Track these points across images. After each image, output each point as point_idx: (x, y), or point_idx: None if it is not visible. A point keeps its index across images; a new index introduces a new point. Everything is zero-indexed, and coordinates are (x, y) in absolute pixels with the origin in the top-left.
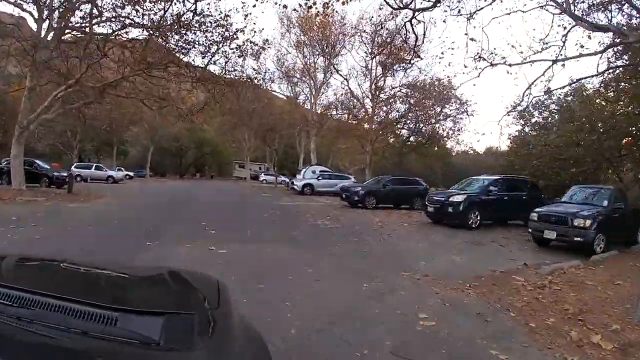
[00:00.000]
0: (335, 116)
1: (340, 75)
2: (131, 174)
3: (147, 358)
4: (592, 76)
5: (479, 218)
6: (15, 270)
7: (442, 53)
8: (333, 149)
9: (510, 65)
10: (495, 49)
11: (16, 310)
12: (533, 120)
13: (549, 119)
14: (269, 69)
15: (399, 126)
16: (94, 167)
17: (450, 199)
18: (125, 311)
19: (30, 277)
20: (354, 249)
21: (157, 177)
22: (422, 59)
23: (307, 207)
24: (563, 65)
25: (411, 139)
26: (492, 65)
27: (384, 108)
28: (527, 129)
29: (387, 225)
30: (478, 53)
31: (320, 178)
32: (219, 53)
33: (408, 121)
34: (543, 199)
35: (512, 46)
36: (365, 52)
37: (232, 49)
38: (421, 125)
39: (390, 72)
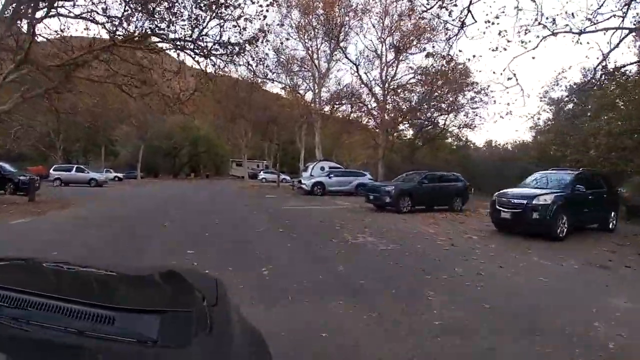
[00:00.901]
0: (341, 108)
1: (349, 59)
2: (120, 175)
3: (144, 356)
4: None
5: (566, 225)
6: (11, 271)
7: (492, 21)
8: (337, 143)
9: (579, 33)
10: (554, 16)
11: (12, 311)
12: (567, 107)
13: (586, 105)
14: (267, 55)
15: (417, 115)
16: (74, 169)
17: (534, 201)
18: (122, 310)
19: (27, 279)
20: (470, 310)
21: (149, 178)
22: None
23: (328, 213)
24: None
25: (425, 130)
26: (553, 34)
27: (397, 97)
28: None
29: (452, 239)
30: (536, 19)
31: (332, 176)
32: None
33: (426, 109)
34: (617, 194)
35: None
36: (376, 35)
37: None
38: (437, 114)
39: (403, 56)
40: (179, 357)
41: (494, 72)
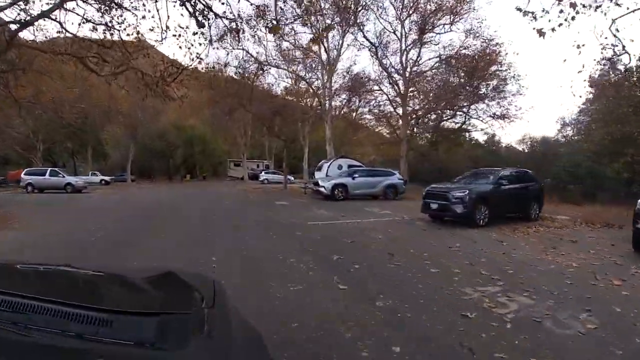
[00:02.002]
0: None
1: (368, 40)
2: (107, 178)
3: (142, 359)
4: None
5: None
6: (8, 275)
7: None
8: (344, 140)
9: None
10: None
11: (10, 315)
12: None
13: None
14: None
15: (448, 103)
16: (48, 172)
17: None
18: (120, 313)
19: (25, 282)
20: None
21: (142, 181)
22: None
23: (380, 233)
24: None
25: (444, 121)
26: None
27: (423, 83)
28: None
29: (626, 279)
30: None
31: (356, 176)
32: None
33: (460, 96)
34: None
35: None
36: (394, 15)
37: None
38: (466, 103)
39: (426, 38)
40: (176, 359)
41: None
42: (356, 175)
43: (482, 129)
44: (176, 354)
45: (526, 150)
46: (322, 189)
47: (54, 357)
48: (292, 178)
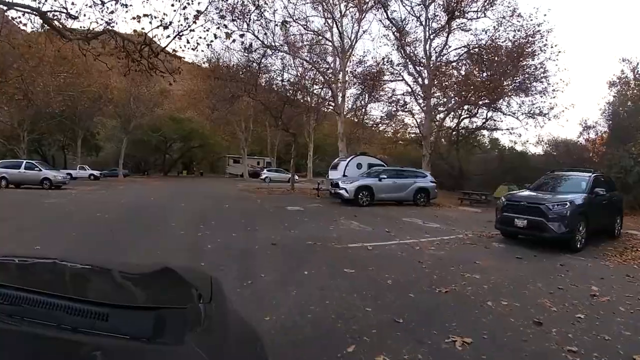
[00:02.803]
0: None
1: (392, 22)
2: (96, 173)
3: (138, 352)
4: None
5: None
6: (5, 268)
7: None
8: (351, 137)
9: None
10: None
11: (6, 307)
12: None
13: None
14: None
15: (484, 96)
16: (23, 165)
17: None
18: (116, 307)
19: (22, 275)
20: None
21: (135, 176)
22: None
23: (466, 266)
24: None
25: (467, 121)
26: None
27: (453, 72)
28: None
29: None
30: None
31: (383, 177)
32: None
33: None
34: None
35: None
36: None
37: None
38: (494, 97)
39: (455, 25)
40: (172, 353)
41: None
42: (384, 176)
43: (508, 129)
44: (173, 348)
45: (548, 153)
46: (342, 192)
47: (50, 350)
48: (297, 177)
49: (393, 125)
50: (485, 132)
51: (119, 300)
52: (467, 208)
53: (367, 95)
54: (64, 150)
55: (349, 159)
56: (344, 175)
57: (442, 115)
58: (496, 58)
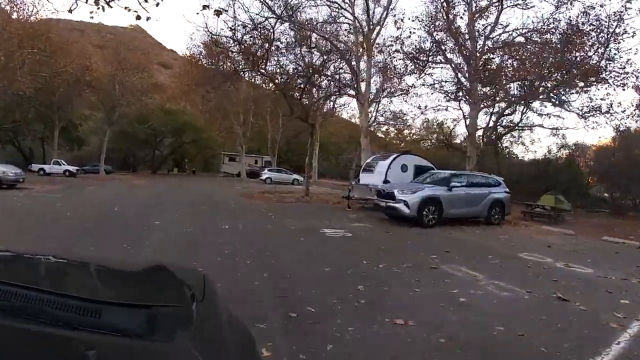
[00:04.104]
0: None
1: None
2: (72, 169)
3: (129, 350)
4: None
5: None
6: None
7: None
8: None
9: None
10: None
11: None
12: None
13: None
14: None
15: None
16: None
17: None
18: (108, 304)
19: (13, 271)
20: None
21: (121, 173)
22: None
23: None
24: None
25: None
26: None
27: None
28: None
29: None
30: None
31: (456, 185)
32: None
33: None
34: None
35: None
36: None
37: None
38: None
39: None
40: (164, 351)
41: None
42: (456, 184)
43: (557, 128)
44: (165, 346)
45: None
46: (400, 206)
47: (42, 346)
48: (302, 178)
49: (397, 124)
50: (523, 132)
51: (112, 297)
52: (548, 227)
53: (419, 73)
54: (43, 142)
55: (390, 159)
56: (386, 181)
57: (491, 108)
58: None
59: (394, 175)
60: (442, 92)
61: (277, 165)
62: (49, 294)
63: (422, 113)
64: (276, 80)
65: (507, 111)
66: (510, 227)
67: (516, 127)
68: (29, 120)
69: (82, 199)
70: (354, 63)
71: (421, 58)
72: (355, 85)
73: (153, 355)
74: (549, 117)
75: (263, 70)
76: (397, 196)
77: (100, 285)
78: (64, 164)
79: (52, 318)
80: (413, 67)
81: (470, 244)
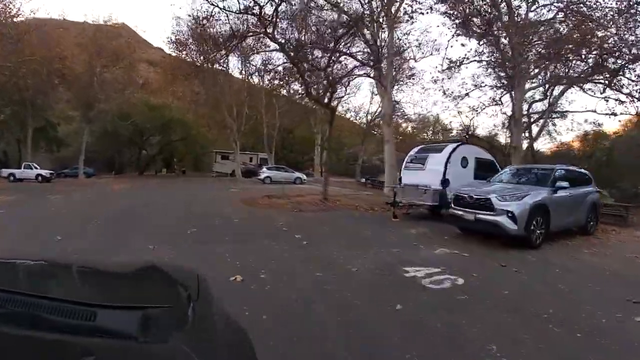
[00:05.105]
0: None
1: None
2: (45, 172)
3: (125, 352)
4: None
5: None
6: None
7: None
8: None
9: None
10: None
11: None
12: None
13: None
14: None
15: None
16: None
17: None
18: (102, 307)
19: (7, 277)
20: None
21: (103, 175)
22: None
23: None
24: None
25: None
26: None
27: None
28: None
29: None
30: None
31: (563, 186)
32: None
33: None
34: None
35: None
36: None
37: None
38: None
39: None
40: (159, 352)
41: None
42: (563, 184)
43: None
44: (160, 347)
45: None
46: (502, 221)
47: (37, 351)
48: (304, 177)
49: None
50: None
51: (106, 300)
52: (636, 231)
53: (486, 41)
54: (19, 143)
55: (448, 151)
56: (445, 180)
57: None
58: None
59: (453, 172)
60: (491, 66)
61: (275, 163)
62: (41, 298)
63: (463, 97)
64: (288, 50)
65: (555, 93)
66: (603, 235)
67: (563, 113)
68: (4, 119)
69: (56, 208)
70: (369, 36)
71: (475, 21)
72: (377, 63)
73: (149, 357)
74: (607, 101)
75: (270, 36)
76: (496, 205)
77: (94, 288)
78: (36, 168)
79: (47, 323)
80: (463, 31)
81: (617, 276)
